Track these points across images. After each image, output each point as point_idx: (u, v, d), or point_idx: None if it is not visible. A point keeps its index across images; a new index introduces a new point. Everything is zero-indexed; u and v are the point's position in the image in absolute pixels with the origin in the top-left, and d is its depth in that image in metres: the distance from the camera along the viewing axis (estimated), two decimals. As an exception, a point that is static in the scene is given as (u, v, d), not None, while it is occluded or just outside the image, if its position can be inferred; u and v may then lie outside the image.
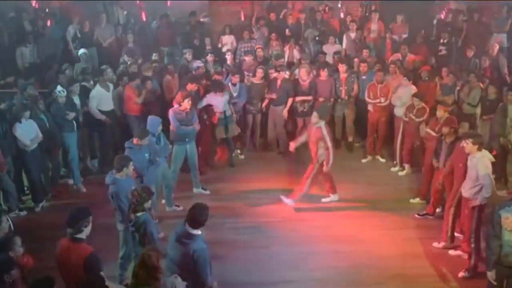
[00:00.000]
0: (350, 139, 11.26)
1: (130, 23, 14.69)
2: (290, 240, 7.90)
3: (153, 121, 8.27)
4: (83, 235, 5.13)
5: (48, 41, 12.98)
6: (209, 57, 11.69)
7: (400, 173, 10.01)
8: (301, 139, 9.01)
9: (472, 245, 6.98)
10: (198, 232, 5.28)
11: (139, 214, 5.96)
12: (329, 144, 8.44)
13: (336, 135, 11.18)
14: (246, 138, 11.15)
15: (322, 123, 8.50)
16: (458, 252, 7.45)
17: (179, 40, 13.07)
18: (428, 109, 9.36)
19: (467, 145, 6.77)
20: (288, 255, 7.53)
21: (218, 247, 7.53)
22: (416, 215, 8.53)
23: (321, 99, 10.66)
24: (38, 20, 13.60)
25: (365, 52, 11.80)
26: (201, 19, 14.77)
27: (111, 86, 10.18)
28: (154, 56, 11.95)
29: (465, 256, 7.21)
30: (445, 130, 7.89)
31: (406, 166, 9.99)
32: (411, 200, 9.06)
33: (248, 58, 11.46)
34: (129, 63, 11.58)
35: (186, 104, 8.74)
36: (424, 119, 9.20)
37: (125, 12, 14.89)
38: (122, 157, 6.91)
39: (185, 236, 5.25)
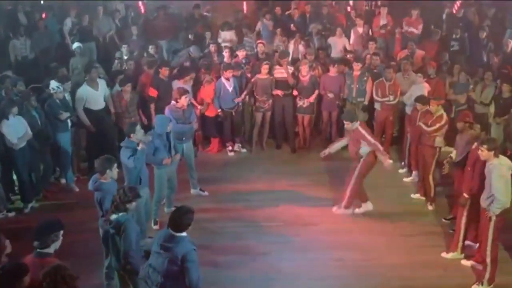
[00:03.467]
0: None
1: (129, 16, 14.22)
2: (292, 247, 7.46)
3: (161, 120, 7.78)
4: (50, 250, 4.79)
5: (43, 34, 12.58)
6: (212, 48, 11.35)
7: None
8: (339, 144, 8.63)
9: (488, 258, 6.49)
10: (183, 234, 4.95)
11: (120, 214, 5.49)
12: (372, 140, 8.04)
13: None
14: (254, 137, 10.75)
15: (356, 124, 8.06)
16: (472, 262, 6.96)
17: (180, 35, 12.65)
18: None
19: (482, 151, 6.30)
20: (290, 263, 7.10)
21: (216, 253, 7.25)
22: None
23: (330, 94, 10.25)
24: (35, 12, 13.16)
25: (371, 44, 11.35)
26: (204, 13, 14.34)
27: (101, 83, 9.68)
28: (151, 49, 11.56)
29: (480, 267, 6.73)
30: (459, 125, 7.47)
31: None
32: (412, 195, 8.79)
33: (240, 53, 11.01)
34: (125, 57, 11.18)
35: (184, 101, 8.30)
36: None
37: (122, 4, 14.40)
38: (106, 159, 6.40)
39: (169, 240, 4.92)
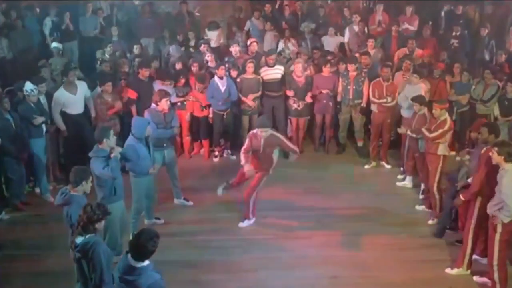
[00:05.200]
0: (360, 143, 10.20)
1: (114, 15, 13.63)
2: (281, 262, 6.84)
3: (139, 122, 7.12)
4: None
5: (21, 34, 11.95)
6: (203, 47, 10.81)
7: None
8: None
9: (496, 273, 5.92)
10: (145, 263, 4.28)
11: (87, 235, 4.86)
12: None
13: (341, 140, 10.24)
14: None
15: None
16: (484, 279, 6.32)
17: (167, 33, 12.09)
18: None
19: (493, 154, 5.73)
20: (279, 281, 6.50)
21: (198, 271, 6.67)
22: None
23: (324, 91, 9.70)
24: (12, 11, 12.55)
25: (370, 42, 10.79)
26: (196, 13, 13.82)
27: (81, 85, 9.07)
28: (136, 49, 11.00)
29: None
30: (474, 135, 6.96)
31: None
32: (417, 207, 8.17)
33: (234, 49, 10.47)
34: (108, 56, 10.64)
35: (164, 104, 7.69)
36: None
37: (106, 3, 13.83)
38: (82, 170, 5.76)
39: (129, 271, 4.25)
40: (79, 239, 4.85)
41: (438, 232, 7.37)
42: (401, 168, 9.21)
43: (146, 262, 4.27)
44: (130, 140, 6.99)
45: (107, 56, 10.85)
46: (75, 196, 5.64)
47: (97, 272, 4.80)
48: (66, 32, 12.33)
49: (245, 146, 7.59)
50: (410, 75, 9.29)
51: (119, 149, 6.49)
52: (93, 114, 9.17)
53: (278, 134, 7.77)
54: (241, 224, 7.71)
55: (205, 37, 11.85)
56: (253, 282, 6.52)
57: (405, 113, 9.02)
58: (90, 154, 6.41)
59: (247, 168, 7.41)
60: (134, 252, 4.24)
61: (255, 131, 7.61)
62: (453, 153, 7.75)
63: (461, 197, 6.40)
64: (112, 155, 6.32)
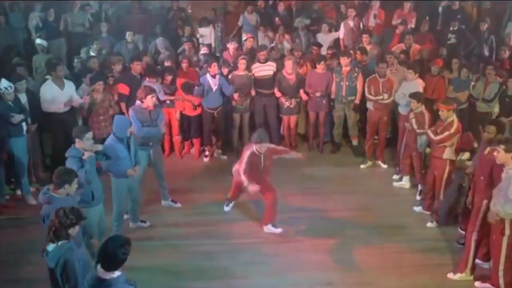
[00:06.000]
0: (355, 142, 9.88)
1: (102, 11, 13.28)
2: (272, 268, 6.49)
3: (121, 122, 6.73)
4: None
5: (5, 31, 11.64)
6: (187, 45, 10.57)
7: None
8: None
9: (501, 280, 5.61)
10: (115, 275, 3.91)
11: (59, 242, 4.49)
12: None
13: (335, 138, 9.90)
14: (234, 140, 9.83)
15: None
16: (487, 285, 6.00)
17: (159, 29, 11.80)
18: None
19: (498, 153, 5.39)
20: (270, 288, 6.18)
21: (184, 278, 6.33)
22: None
23: (317, 94, 9.38)
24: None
25: (365, 38, 10.48)
26: (189, 10, 13.54)
27: (68, 83, 8.70)
28: (128, 36, 10.85)
29: (494, 291, 5.83)
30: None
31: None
32: (415, 208, 7.84)
33: (231, 46, 10.16)
34: (93, 54, 10.29)
35: (150, 101, 7.32)
36: None
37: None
38: (66, 171, 5.38)
39: (97, 284, 3.87)
40: (50, 246, 4.48)
41: (443, 219, 7.29)
42: (397, 168, 8.88)
43: (117, 273, 3.90)
44: (110, 139, 6.65)
45: (91, 53, 10.49)
46: (55, 197, 5.26)
47: (71, 282, 4.46)
48: (53, 29, 12.00)
49: (244, 167, 7.06)
50: (404, 70, 9.00)
51: (98, 147, 6.13)
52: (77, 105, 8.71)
53: (271, 145, 7.55)
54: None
55: (198, 35, 11.56)
56: (242, 289, 6.20)
57: (402, 110, 8.71)
58: (66, 154, 6.04)
59: (252, 188, 7.02)
60: (102, 262, 3.87)
61: (252, 149, 7.13)
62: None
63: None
64: (84, 157, 5.94)
